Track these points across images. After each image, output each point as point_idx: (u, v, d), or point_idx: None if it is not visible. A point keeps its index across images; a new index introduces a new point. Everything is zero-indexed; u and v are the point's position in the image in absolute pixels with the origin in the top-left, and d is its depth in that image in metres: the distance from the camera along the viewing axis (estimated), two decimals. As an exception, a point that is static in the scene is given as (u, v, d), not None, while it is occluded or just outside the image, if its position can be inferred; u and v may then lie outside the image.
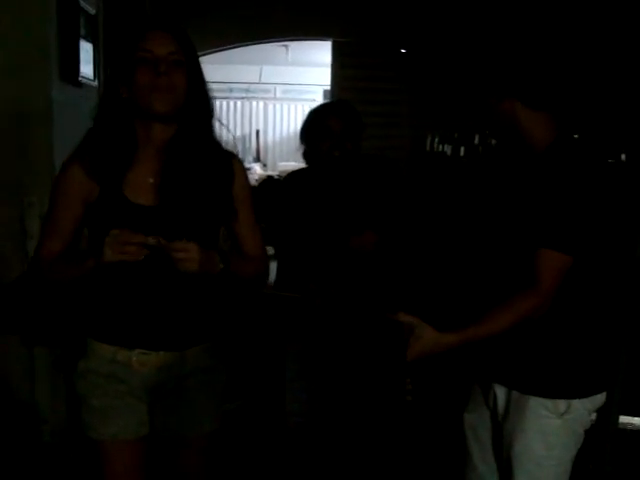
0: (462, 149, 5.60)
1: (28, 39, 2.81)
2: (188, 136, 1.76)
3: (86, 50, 3.16)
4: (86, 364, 1.83)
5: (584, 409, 1.82)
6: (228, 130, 1.92)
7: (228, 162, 1.83)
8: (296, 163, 7.84)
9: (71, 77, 3.03)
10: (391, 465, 2.96)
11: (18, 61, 2.81)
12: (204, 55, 6.21)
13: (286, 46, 8.31)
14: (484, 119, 1.88)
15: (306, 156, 2.80)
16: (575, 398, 1.80)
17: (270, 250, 3.04)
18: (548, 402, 1.79)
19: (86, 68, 3.14)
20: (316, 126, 2.69)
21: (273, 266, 2.97)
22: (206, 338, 1.86)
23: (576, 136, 1.97)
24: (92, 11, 3.26)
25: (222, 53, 6.72)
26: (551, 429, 1.80)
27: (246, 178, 1.91)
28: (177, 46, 1.71)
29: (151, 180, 1.75)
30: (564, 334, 1.80)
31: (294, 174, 2.95)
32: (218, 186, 1.79)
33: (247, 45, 6.61)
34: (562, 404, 1.79)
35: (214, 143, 1.82)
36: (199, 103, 1.76)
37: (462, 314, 1.82)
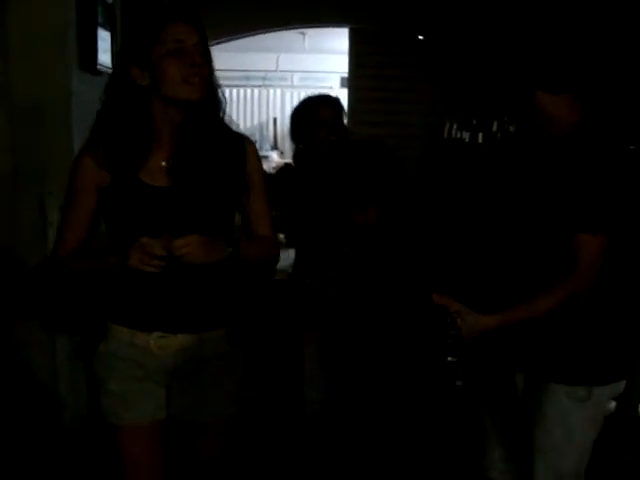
0: (480, 136, 5.56)
1: (46, 28, 2.83)
2: (199, 120, 1.77)
3: (104, 38, 3.17)
4: (106, 347, 1.85)
5: (604, 396, 1.82)
6: (234, 121, 1.91)
7: (240, 143, 1.84)
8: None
9: (89, 65, 3.04)
10: (408, 453, 2.97)
11: (37, 50, 2.83)
12: (221, 43, 6.21)
13: (303, 33, 8.27)
14: (509, 105, 1.88)
15: (297, 157, 2.85)
16: (595, 385, 1.80)
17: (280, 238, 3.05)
18: (568, 389, 1.79)
19: (104, 56, 3.15)
20: (308, 119, 2.77)
21: (285, 254, 2.99)
22: (224, 322, 1.87)
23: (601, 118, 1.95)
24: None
25: (239, 41, 6.71)
26: (572, 415, 1.80)
27: (258, 159, 1.91)
28: (199, 37, 1.72)
29: (164, 163, 1.77)
30: (585, 321, 1.80)
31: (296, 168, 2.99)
32: (230, 165, 1.80)
33: (264, 33, 6.60)
34: (582, 391, 1.79)
35: (224, 126, 1.83)
36: (212, 90, 1.78)
37: (486, 296, 1.83)
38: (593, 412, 1.82)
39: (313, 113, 2.76)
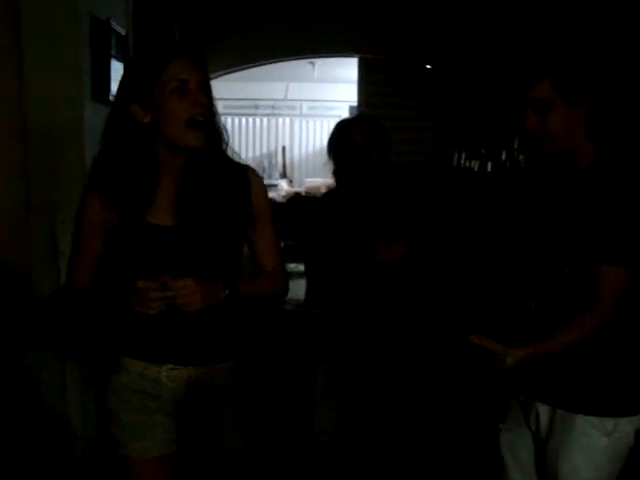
0: (489, 165, 5.57)
1: (60, 59, 2.87)
2: (202, 157, 1.75)
3: (116, 69, 3.20)
4: (118, 380, 1.84)
5: (630, 428, 1.80)
6: (237, 153, 1.89)
7: (243, 175, 1.82)
8: (323, 179, 7.84)
9: (102, 96, 3.07)
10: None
11: (51, 81, 2.86)
12: (231, 72, 6.27)
13: (312, 63, 8.35)
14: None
15: (335, 174, 2.80)
16: (623, 417, 1.78)
17: (300, 267, 3.04)
18: (596, 420, 1.78)
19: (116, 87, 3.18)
20: (339, 138, 2.71)
21: (303, 283, 2.98)
22: (234, 354, 1.86)
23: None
24: (123, 32, 3.32)
25: (248, 70, 6.77)
26: (599, 448, 1.78)
27: (263, 189, 1.88)
28: (202, 74, 1.71)
29: (169, 201, 1.76)
30: (613, 351, 1.79)
31: (329, 194, 2.96)
32: (235, 200, 1.78)
33: (274, 62, 6.66)
34: (609, 422, 1.77)
35: (227, 159, 1.82)
36: (214, 126, 1.77)
37: (508, 330, 1.82)
38: (619, 444, 1.80)
39: (344, 133, 2.70)
